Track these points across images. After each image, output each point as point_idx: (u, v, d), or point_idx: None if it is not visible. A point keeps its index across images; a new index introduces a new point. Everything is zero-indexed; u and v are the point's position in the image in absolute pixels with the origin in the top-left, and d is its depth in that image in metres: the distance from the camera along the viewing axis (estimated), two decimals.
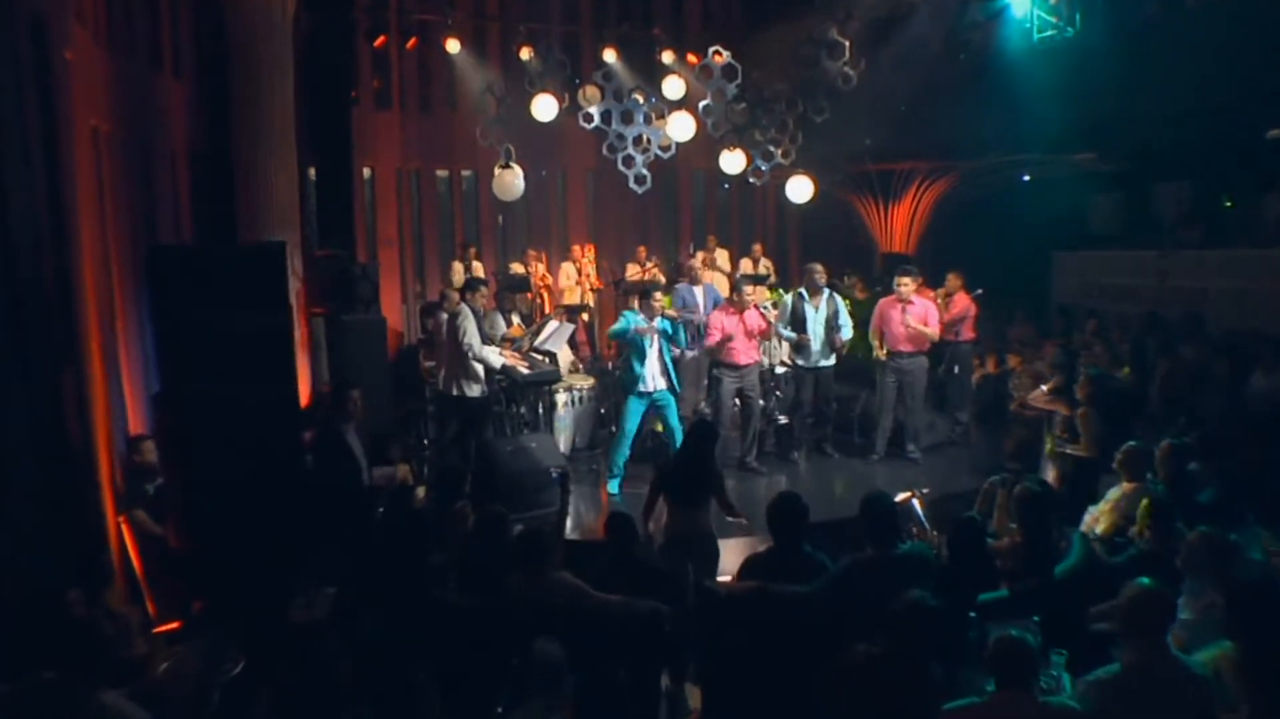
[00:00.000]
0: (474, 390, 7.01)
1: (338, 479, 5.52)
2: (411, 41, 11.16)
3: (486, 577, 4.03)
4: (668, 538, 5.05)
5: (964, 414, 8.46)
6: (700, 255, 12.07)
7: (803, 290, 7.67)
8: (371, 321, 8.25)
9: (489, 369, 7.02)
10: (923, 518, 5.13)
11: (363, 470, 5.66)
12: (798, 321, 7.57)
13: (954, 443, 8.26)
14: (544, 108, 8.22)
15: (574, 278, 11.66)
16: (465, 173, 12.71)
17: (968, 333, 8.46)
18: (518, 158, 9.04)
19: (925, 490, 5.31)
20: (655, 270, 11.07)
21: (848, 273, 11.22)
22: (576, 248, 12.00)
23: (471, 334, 6.85)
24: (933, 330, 7.49)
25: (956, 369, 8.34)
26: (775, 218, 14.21)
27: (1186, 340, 7.68)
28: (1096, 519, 5.02)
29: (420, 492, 6.78)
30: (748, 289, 7.42)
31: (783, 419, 8.08)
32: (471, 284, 7.20)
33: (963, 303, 8.49)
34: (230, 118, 8.57)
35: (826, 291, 7.67)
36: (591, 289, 11.58)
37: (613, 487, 7.14)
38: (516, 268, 11.63)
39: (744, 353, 7.40)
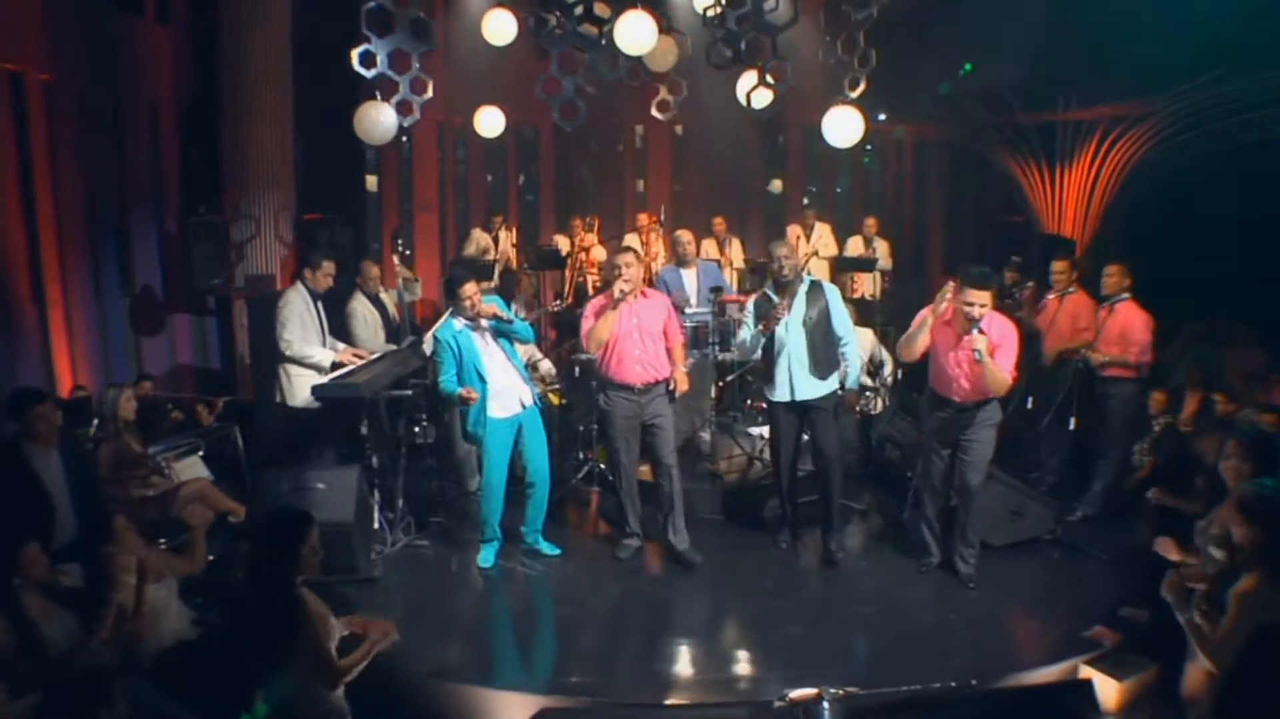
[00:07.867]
0: (298, 398, 5.14)
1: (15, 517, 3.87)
2: None
3: None
4: None
5: (1090, 501, 5.45)
6: (793, 232, 9.58)
7: (768, 289, 4.82)
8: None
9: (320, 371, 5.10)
10: None
11: (55, 506, 3.94)
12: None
13: (1062, 544, 5.06)
14: (498, 26, 5.97)
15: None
16: (525, 126, 10.75)
17: (1145, 357, 5.30)
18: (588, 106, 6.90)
19: (849, 689, 2.72)
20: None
21: (1009, 265, 7.56)
22: (643, 217, 9.82)
23: (289, 326, 5.02)
24: (1005, 374, 4.42)
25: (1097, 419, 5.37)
26: (911, 186, 11.11)
27: None
28: None
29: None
30: (624, 261, 4.59)
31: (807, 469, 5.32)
32: (308, 259, 5.33)
33: (1133, 314, 5.34)
34: (218, 63, 7.66)
35: (807, 281, 4.79)
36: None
37: (485, 558, 4.84)
38: (560, 240, 9.66)
39: (641, 363, 4.72)
